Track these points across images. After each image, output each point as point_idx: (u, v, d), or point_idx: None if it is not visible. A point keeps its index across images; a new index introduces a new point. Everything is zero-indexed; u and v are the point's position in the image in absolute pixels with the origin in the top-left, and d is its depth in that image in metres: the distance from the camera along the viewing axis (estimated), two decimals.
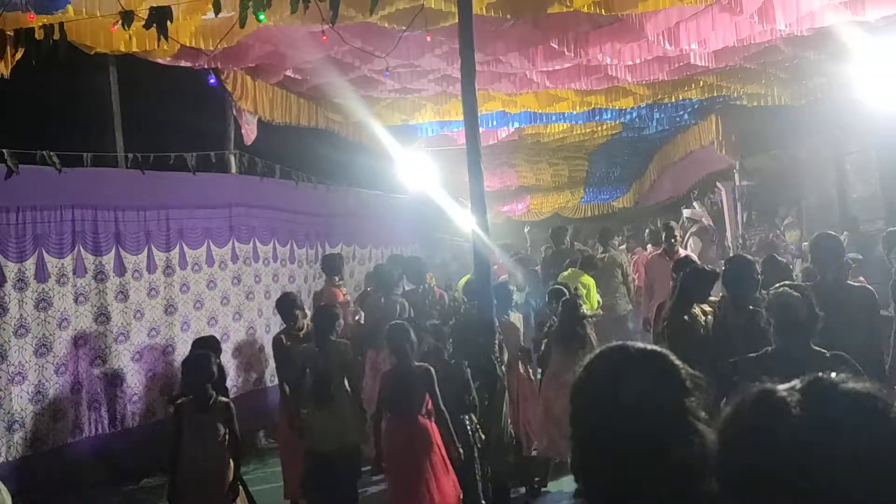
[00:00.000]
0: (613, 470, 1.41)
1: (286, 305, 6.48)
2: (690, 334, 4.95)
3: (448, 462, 5.19)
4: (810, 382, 1.11)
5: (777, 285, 3.92)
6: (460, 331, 5.92)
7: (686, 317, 5.06)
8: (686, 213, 11.69)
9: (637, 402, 1.40)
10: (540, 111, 10.63)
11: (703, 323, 5.17)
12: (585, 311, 7.01)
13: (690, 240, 11.11)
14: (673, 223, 9.15)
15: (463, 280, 8.83)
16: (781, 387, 1.12)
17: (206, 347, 5.71)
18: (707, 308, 5.24)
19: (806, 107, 10.51)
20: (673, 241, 8.65)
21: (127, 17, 5.49)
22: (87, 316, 6.70)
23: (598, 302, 8.61)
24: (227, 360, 7.49)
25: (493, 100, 10.05)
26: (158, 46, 6.20)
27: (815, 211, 12.14)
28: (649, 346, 1.54)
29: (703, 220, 11.67)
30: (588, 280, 8.57)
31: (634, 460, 1.39)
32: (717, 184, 13.54)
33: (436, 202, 10.84)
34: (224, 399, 5.05)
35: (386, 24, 6.60)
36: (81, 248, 6.68)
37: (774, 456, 1.04)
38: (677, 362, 1.49)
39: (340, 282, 8.22)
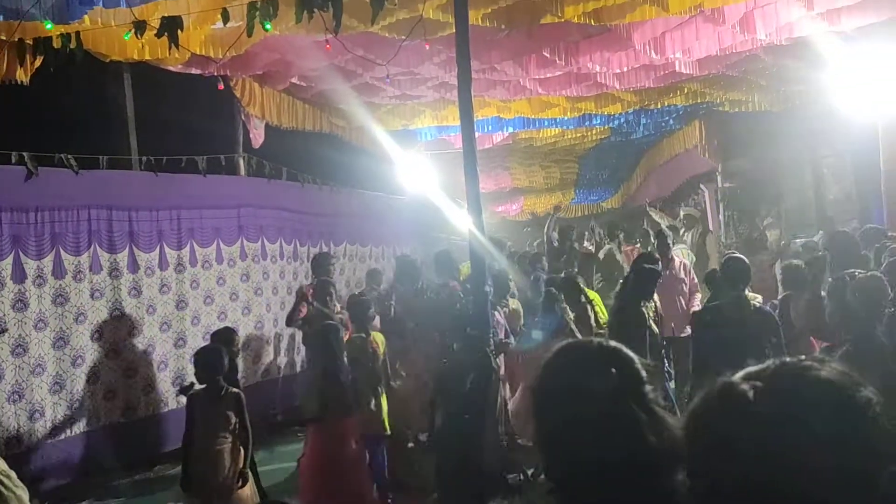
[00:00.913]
0: (582, 465, 1.35)
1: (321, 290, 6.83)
2: (640, 329, 4.98)
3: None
4: (779, 370, 1.06)
5: (850, 271, 3.82)
6: (457, 323, 5.89)
7: (636, 313, 5.09)
8: (684, 211, 11.58)
9: (601, 393, 1.34)
10: (533, 117, 10.63)
11: (651, 317, 5.22)
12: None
13: (707, 238, 10.57)
14: (668, 231, 8.70)
15: (466, 266, 8.69)
16: (751, 370, 1.07)
17: (220, 340, 5.72)
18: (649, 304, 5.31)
19: (785, 113, 10.52)
20: (666, 247, 8.08)
21: (140, 26, 5.48)
22: (102, 311, 6.68)
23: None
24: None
25: (489, 106, 10.05)
26: (170, 55, 6.19)
27: (794, 212, 12.15)
28: (605, 341, 1.50)
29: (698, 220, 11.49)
30: (592, 295, 8.28)
31: (603, 453, 1.32)
32: (701, 185, 13.55)
33: (434, 203, 10.82)
34: (235, 390, 5.03)
35: (386, 34, 6.59)
36: (97, 246, 6.65)
37: (738, 454, 0.99)
38: (631, 354, 1.44)
39: None
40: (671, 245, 8.22)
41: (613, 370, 1.38)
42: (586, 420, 1.33)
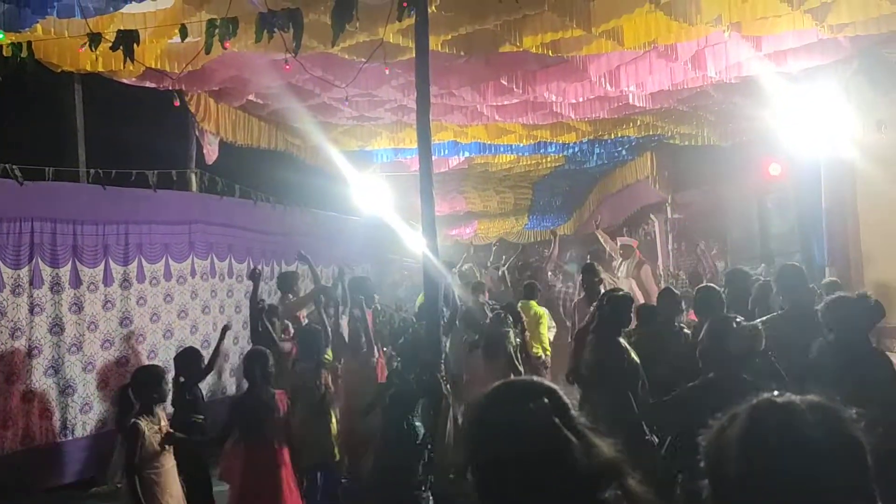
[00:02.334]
0: (519, 486, 1.45)
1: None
2: (626, 363, 4.96)
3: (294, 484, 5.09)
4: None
5: (836, 295, 4.16)
6: (408, 349, 5.87)
7: (617, 346, 5.05)
8: (620, 240, 11.74)
9: (537, 421, 1.47)
10: (489, 142, 10.72)
11: (630, 348, 5.17)
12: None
13: (642, 270, 10.55)
14: (597, 266, 8.34)
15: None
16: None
17: (180, 362, 5.60)
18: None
19: (732, 147, 10.82)
20: (596, 280, 7.76)
21: (94, 38, 5.38)
22: (41, 326, 6.48)
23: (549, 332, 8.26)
24: None
25: (446, 130, 10.12)
26: (124, 67, 6.08)
27: (739, 244, 12.47)
28: (533, 378, 1.68)
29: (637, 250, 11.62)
30: (538, 310, 8.23)
31: (540, 474, 1.44)
32: (651, 216, 13.83)
33: (389, 225, 10.80)
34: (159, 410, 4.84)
35: (346, 56, 6.60)
36: (39, 260, 6.47)
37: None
38: (553, 385, 1.58)
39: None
40: (597, 279, 7.80)
41: (546, 400, 1.51)
42: (524, 447, 1.46)
